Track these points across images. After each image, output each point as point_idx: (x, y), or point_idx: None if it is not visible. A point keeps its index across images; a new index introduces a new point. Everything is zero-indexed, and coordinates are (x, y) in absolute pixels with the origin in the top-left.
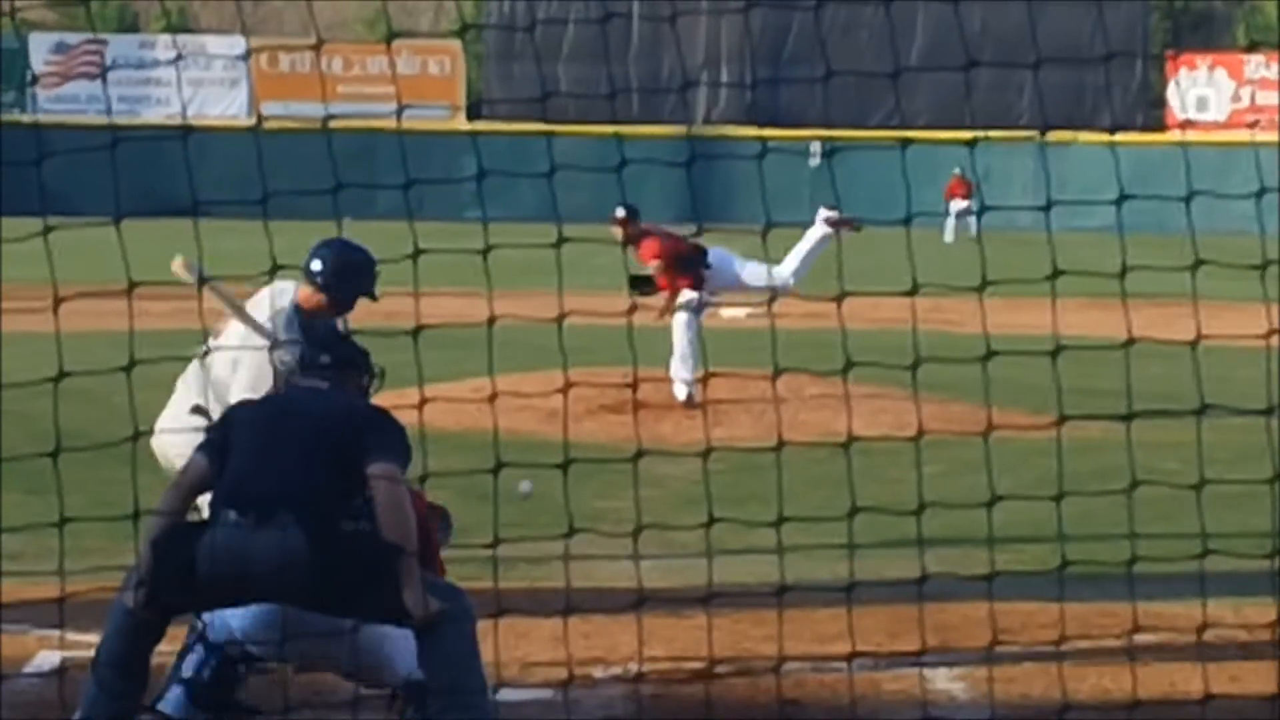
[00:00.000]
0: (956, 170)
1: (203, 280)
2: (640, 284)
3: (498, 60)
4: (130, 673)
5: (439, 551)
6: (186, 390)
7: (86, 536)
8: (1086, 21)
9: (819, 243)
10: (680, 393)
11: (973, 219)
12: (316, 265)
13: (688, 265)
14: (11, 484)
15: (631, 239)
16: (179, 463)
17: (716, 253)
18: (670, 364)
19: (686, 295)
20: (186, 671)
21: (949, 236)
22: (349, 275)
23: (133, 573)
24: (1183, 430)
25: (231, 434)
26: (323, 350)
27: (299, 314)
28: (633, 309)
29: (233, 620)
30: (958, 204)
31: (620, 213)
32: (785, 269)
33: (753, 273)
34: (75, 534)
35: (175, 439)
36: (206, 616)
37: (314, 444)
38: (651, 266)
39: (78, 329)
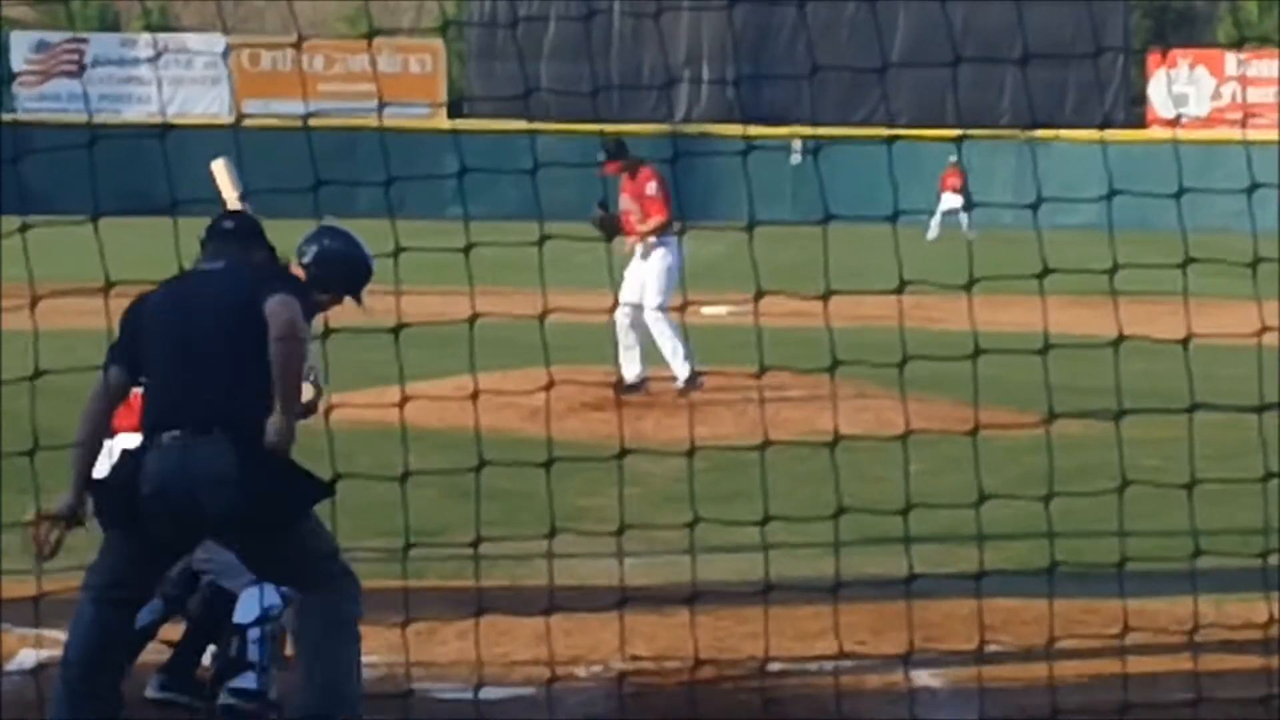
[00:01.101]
0: (952, 159)
1: (243, 196)
2: (608, 224)
3: (479, 58)
4: (110, 666)
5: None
6: None
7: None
8: (1068, 19)
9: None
10: (682, 372)
11: (964, 216)
12: (310, 248)
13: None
14: None
15: (628, 169)
16: None
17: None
18: (670, 361)
19: (655, 290)
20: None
21: (933, 234)
22: (336, 268)
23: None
24: (1165, 427)
25: (142, 341)
26: (226, 217)
27: None
28: (615, 307)
29: None
30: (950, 198)
31: (602, 156)
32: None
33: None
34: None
35: None
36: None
37: (225, 339)
38: (650, 188)
39: (56, 327)
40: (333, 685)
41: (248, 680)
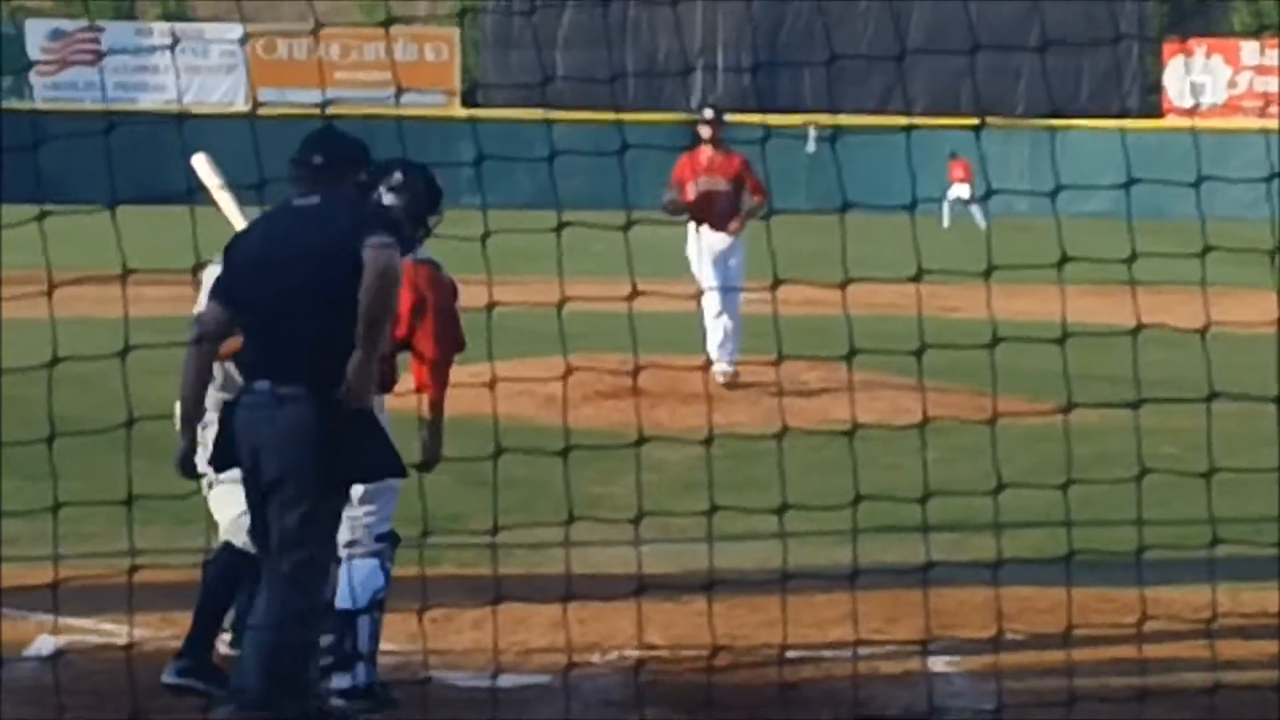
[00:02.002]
0: (950, 151)
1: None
2: (679, 208)
3: (495, 46)
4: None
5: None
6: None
7: (83, 522)
8: (1083, 8)
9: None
10: (722, 370)
11: (976, 208)
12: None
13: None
14: (8, 470)
15: (717, 143)
16: None
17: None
18: (722, 347)
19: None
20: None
21: (947, 222)
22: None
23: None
24: (1183, 416)
25: (240, 281)
26: (314, 149)
27: None
28: (634, 294)
29: None
30: (957, 189)
31: (709, 114)
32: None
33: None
34: (71, 519)
35: None
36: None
37: (319, 286)
38: (756, 169)
39: (74, 315)
40: (250, 666)
41: (356, 676)
